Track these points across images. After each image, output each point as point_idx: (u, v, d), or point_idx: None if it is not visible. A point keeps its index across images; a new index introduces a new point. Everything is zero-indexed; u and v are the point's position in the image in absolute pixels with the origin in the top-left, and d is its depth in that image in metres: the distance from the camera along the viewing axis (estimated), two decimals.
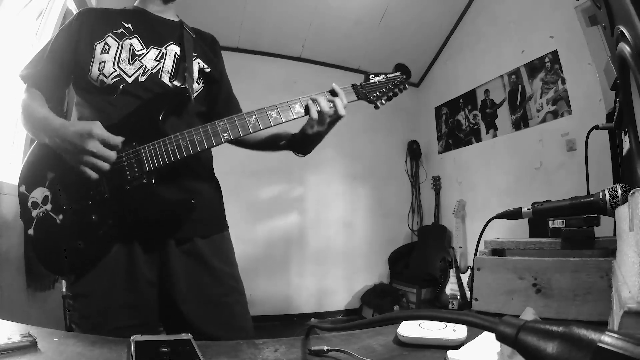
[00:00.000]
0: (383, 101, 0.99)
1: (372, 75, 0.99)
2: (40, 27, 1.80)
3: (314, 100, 0.90)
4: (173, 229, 0.89)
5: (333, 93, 0.93)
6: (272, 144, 1.06)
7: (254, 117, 0.87)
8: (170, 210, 0.86)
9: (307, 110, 0.90)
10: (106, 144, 0.79)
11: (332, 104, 0.91)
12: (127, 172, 0.82)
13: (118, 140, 0.80)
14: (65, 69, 0.92)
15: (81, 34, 0.92)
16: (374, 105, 0.99)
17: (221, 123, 0.85)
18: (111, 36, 0.91)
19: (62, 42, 0.92)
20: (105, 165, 0.79)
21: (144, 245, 0.87)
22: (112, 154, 0.79)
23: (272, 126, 0.89)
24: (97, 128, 0.78)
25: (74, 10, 1.97)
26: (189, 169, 0.92)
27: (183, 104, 0.92)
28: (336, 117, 0.93)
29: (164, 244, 0.89)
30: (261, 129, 0.87)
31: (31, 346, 0.50)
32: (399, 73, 1.01)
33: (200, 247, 0.92)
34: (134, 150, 0.82)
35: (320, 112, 0.90)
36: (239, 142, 1.02)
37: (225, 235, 1.01)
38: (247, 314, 0.97)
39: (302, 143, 1.00)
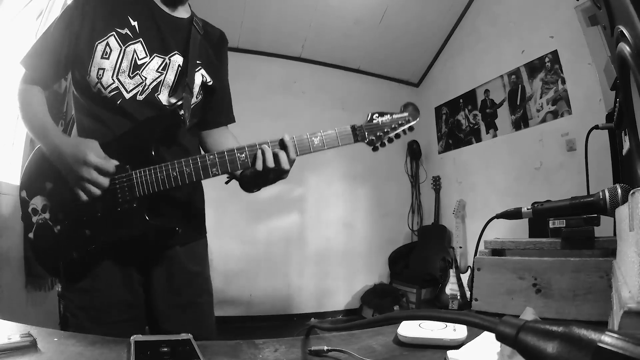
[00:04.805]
0: (384, 142, 0.93)
1: (376, 115, 0.92)
2: (40, 27, 1.80)
3: (263, 152, 0.85)
4: (157, 249, 0.93)
5: (282, 144, 0.86)
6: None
7: (244, 153, 0.86)
8: (157, 236, 0.89)
9: (253, 160, 0.86)
10: (100, 170, 0.81)
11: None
12: (119, 195, 0.84)
13: (111, 166, 0.82)
14: (63, 61, 0.90)
15: (82, 28, 0.88)
16: (372, 147, 0.92)
17: (211, 156, 0.85)
18: (114, 36, 0.88)
19: (61, 34, 0.88)
20: (97, 191, 0.82)
21: (131, 259, 0.91)
22: (105, 181, 0.82)
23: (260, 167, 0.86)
24: (92, 155, 0.80)
25: None
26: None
27: (177, 126, 0.92)
28: (279, 174, 0.87)
29: (147, 258, 0.93)
30: (250, 167, 0.87)
31: (31, 346, 0.50)
32: (406, 114, 0.93)
33: (178, 254, 0.96)
34: (127, 175, 0.84)
35: (264, 164, 0.85)
36: None
37: (202, 242, 1.04)
38: (213, 314, 1.03)
39: (246, 181, 0.96)
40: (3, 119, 1.68)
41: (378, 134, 0.92)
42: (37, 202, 0.87)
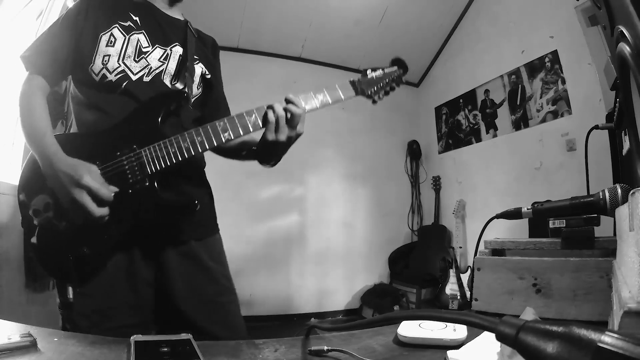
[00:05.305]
0: (380, 96, 0.98)
1: (370, 71, 0.98)
2: (40, 27, 1.80)
3: (272, 108, 0.86)
4: (173, 232, 0.91)
5: (288, 100, 0.88)
6: (237, 152, 1.02)
7: (254, 115, 0.85)
8: (173, 213, 0.87)
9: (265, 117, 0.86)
10: (94, 196, 0.77)
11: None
12: (129, 176, 0.81)
13: (107, 193, 0.78)
14: (67, 60, 0.90)
15: (85, 24, 0.89)
16: (371, 100, 0.98)
17: (221, 123, 0.84)
18: (118, 28, 0.90)
19: (64, 33, 0.89)
20: (89, 217, 0.78)
21: (143, 248, 0.88)
22: (95, 210, 0.77)
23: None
24: (88, 178, 0.77)
25: None
26: (182, 173, 0.92)
27: (181, 105, 0.91)
28: (294, 124, 0.87)
29: (162, 247, 0.90)
30: (261, 128, 0.86)
31: (31, 346, 0.50)
32: (395, 68, 1.01)
33: (195, 249, 0.94)
34: (135, 153, 0.82)
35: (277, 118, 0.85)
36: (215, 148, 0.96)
37: (217, 238, 1.03)
38: (240, 313, 1.01)
39: (264, 152, 0.94)
40: (3, 119, 1.68)
41: (375, 88, 0.97)
42: (38, 202, 0.83)
